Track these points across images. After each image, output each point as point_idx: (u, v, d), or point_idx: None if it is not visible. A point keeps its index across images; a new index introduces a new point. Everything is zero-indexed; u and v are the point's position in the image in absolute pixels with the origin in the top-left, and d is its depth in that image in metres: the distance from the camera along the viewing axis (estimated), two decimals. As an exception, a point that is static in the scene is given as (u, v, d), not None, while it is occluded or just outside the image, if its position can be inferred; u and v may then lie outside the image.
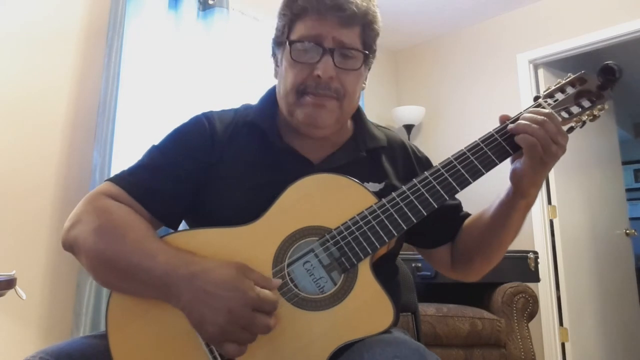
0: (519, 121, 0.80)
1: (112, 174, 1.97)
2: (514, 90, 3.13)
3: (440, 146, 3.38)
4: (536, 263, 2.26)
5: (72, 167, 2.04)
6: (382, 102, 3.60)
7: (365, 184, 0.86)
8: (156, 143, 0.90)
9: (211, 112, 0.93)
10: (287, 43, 0.85)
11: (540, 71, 3.13)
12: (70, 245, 0.79)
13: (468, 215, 0.99)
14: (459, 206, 1.00)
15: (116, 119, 2.04)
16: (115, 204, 0.80)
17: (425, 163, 1.01)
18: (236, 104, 0.98)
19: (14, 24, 1.94)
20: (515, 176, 0.81)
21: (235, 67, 2.46)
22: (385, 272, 0.82)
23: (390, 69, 3.79)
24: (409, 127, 3.43)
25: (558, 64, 3.14)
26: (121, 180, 0.84)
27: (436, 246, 0.98)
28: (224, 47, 2.42)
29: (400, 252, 0.97)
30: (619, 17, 2.78)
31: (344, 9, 0.82)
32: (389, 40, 3.63)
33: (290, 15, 0.86)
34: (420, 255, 1.05)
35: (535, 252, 2.28)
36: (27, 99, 1.95)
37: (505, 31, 3.25)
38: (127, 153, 2.04)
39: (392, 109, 3.52)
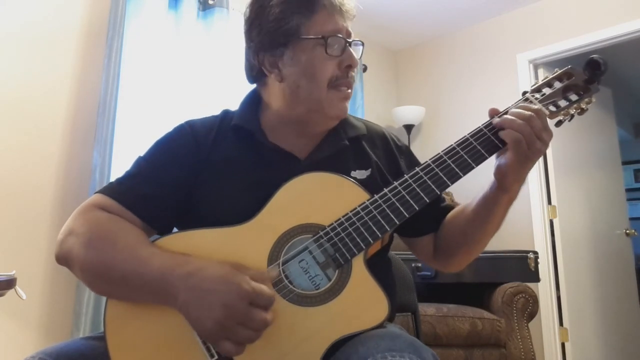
0: (505, 116, 0.81)
1: (112, 175, 1.98)
2: (514, 91, 3.11)
3: (440, 146, 3.26)
4: (536, 263, 2.25)
5: (72, 167, 2.04)
6: (382, 102, 3.59)
7: (353, 172, 0.89)
8: (142, 154, 0.91)
9: (192, 119, 0.95)
10: (322, 38, 0.85)
11: (540, 71, 3.13)
12: (64, 259, 0.80)
13: (452, 206, 1.00)
14: (440, 196, 1.01)
15: (116, 119, 2.05)
16: (105, 214, 0.81)
17: (406, 151, 1.02)
18: (235, 105, 0.98)
19: (14, 24, 1.94)
20: (499, 172, 0.81)
21: (235, 67, 2.46)
22: (379, 266, 0.83)
23: (390, 69, 3.79)
24: (409, 127, 3.42)
25: (558, 64, 3.10)
26: (110, 190, 0.84)
27: (420, 235, 0.99)
28: (224, 47, 2.43)
29: (401, 252, 0.98)
30: (619, 17, 2.78)
31: (348, 2, 0.89)
32: (389, 40, 3.63)
33: (304, 11, 0.85)
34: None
35: (535, 252, 2.28)
36: (27, 99, 1.95)
37: (505, 31, 3.25)
38: (127, 153, 2.05)
39: (392, 109, 3.51)
